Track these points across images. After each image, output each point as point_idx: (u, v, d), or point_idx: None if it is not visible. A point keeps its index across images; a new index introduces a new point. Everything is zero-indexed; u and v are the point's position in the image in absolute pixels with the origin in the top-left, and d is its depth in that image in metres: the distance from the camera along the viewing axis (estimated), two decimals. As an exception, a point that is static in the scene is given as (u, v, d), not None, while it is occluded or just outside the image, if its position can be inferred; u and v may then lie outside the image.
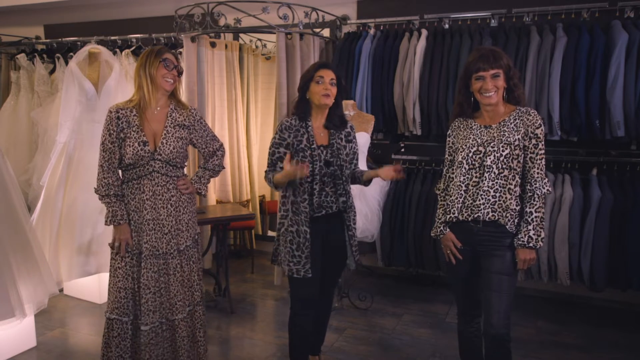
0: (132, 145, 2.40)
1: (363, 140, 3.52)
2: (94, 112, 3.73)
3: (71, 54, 4.46)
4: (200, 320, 2.65)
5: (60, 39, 5.14)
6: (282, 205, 2.57)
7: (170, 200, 2.49)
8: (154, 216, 2.46)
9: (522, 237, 2.18)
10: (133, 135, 2.41)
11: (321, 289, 2.65)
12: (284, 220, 2.54)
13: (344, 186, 2.56)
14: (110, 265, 2.53)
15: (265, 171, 2.57)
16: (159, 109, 2.50)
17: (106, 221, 2.46)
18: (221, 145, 2.73)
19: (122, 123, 2.42)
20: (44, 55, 5.19)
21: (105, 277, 3.80)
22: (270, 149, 2.55)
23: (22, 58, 5.17)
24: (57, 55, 4.86)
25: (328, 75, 2.49)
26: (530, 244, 2.16)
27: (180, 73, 2.52)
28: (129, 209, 2.48)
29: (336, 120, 2.57)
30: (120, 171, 2.50)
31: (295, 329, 2.60)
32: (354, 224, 2.64)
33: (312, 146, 2.50)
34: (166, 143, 2.45)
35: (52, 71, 5.03)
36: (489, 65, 2.17)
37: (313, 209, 2.50)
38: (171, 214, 2.50)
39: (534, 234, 2.17)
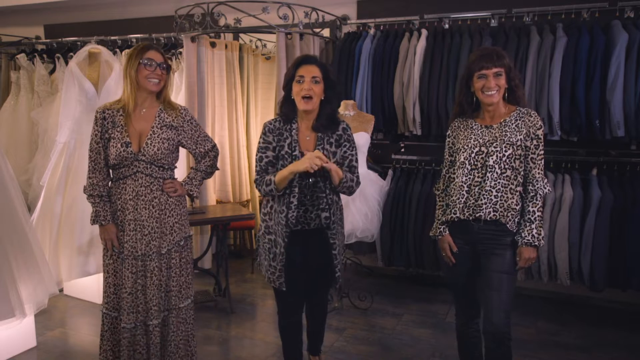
0: (115, 146, 2.38)
1: (363, 140, 3.51)
2: (94, 112, 3.72)
3: (71, 54, 4.46)
4: (172, 328, 2.54)
5: (60, 39, 5.14)
6: (265, 204, 2.41)
7: (152, 201, 2.44)
8: (135, 217, 2.43)
9: (526, 236, 2.18)
10: (117, 135, 2.39)
11: (311, 300, 2.59)
12: (262, 223, 2.42)
13: (328, 200, 2.31)
14: (103, 261, 2.56)
15: (256, 179, 2.33)
16: (144, 110, 2.46)
17: (91, 220, 2.47)
18: (214, 146, 2.65)
19: (107, 123, 2.41)
20: (44, 55, 5.19)
21: (105, 277, 3.81)
22: (257, 154, 2.34)
23: (22, 58, 5.17)
24: (57, 55, 4.86)
25: (310, 72, 2.23)
26: (535, 243, 2.18)
27: (167, 70, 2.44)
28: (115, 208, 2.46)
29: (325, 122, 2.30)
30: (110, 171, 2.50)
31: (283, 333, 2.58)
32: (340, 239, 2.44)
33: (294, 153, 2.27)
34: (151, 144, 2.41)
35: (52, 71, 5.02)
36: (492, 64, 2.17)
37: (289, 224, 2.28)
38: (153, 216, 2.44)
39: (536, 233, 2.18)
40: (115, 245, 2.47)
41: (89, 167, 2.45)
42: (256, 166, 2.35)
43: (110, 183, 2.51)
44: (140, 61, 2.36)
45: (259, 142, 2.35)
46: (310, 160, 2.13)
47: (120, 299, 2.48)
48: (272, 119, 2.38)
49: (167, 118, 2.47)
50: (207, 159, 2.63)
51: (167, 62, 2.44)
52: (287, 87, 2.33)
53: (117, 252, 2.48)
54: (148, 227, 2.44)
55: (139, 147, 2.41)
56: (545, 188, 2.20)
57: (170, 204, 2.50)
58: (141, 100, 2.44)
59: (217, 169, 2.74)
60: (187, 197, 2.64)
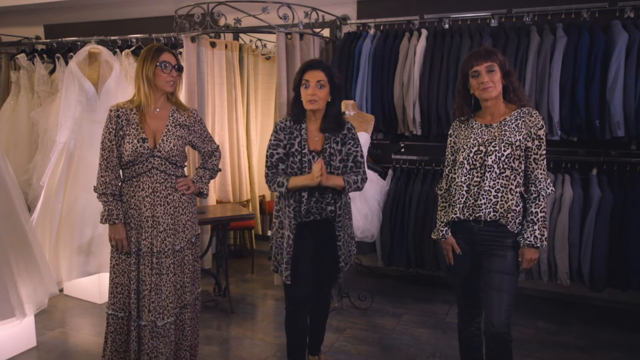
0: (132, 142, 2.42)
1: (363, 140, 3.51)
2: (94, 112, 3.73)
3: (71, 54, 4.47)
4: (189, 323, 2.63)
5: (60, 39, 5.15)
6: (275, 204, 2.56)
7: (167, 198, 2.49)
8: (152, 213, 2.46)
9: (528, 237, 2.18)
10: (132, 132, 2.43)
11: (316, 290, 2.63)
12: (276, 220, 2.56)
13: (333, 195, 2.48)
14: (110, 262, 2.56)
15: (266, 173, 2.51)
16: (158, 109, 2.51)
17: (101, 219, 2.47)
18: (218, 147, 2.76)
19: (121, 121, 2.45)
20: (44, 55, 5.20)
21: (105, 277, 3.81)
22: (268, 150, 2.51)
23: (22, 58, 5.17)
24: (57, 55, 4.86)
25: (314, 77, 2.41)
26: (537, 244, 2.17)
27: (180, 70, 2.51)
28: (129, 207, 2.48)
29: (331, 123, 2.49)
30: (120, 171, 2.51)
31: (289, 327, 2.61)
32: (347, 231, 2.59)
33: (304, 151, 2.45)
34: (166, 140, 2.47)
35: (52, 71, 5.03)
36: (482, 59, 2.18)
37: (300, 216, 2.46)
38: (168, 213, 2.49)
39: (539, 234, 2.17)
40: (124, 245, 2.48)
41: (100, 165, 2.47)
42: (267, 162, 2.50)
43: (121, 183, 2.52)
44: (158, 64, 2.41)
45: (271, 139, 2.50)
46: (317, 176, 2.34)
47: (140, 295, 2.48)
48: (284, 119, 2.53)
49: (180, 118, 2.55)
50: (213, 158, 2.73)
51: (179, 63, 2.50)
52: (296, 90, 2.49)
53: (130, 251, 2.49)
54: (163, 223, 2.48)
55: (154, 144, 2.47)
56: (548, 189, 2.19)
57: (183, 202, 2.56)
58: (155, 100, 2.50)
59: (220, 169, 2.81)
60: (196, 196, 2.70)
